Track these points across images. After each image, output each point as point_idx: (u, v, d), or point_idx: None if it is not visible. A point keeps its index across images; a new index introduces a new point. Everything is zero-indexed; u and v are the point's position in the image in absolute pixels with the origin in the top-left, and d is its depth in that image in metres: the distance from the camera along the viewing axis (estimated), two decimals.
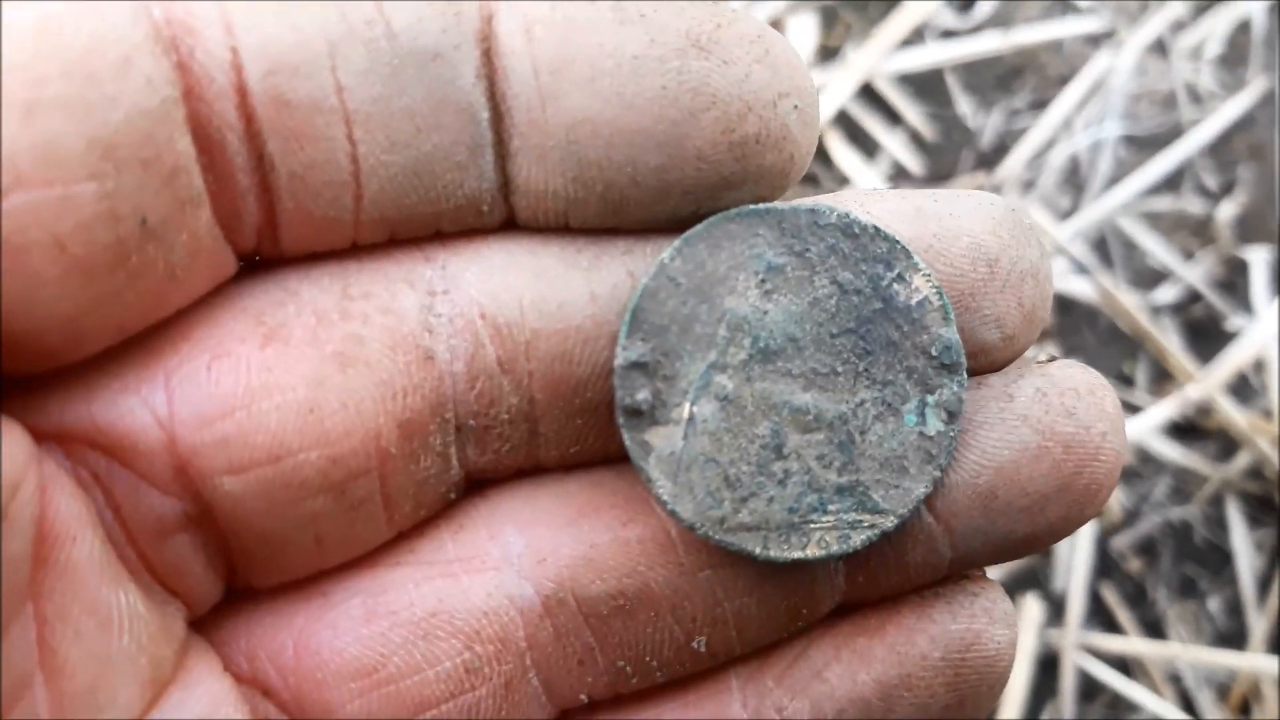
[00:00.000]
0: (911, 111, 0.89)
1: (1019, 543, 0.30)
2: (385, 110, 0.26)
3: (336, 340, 0.28)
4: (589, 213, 0.28)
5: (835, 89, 0.88)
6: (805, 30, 0.90)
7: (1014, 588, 0.79)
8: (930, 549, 0.30)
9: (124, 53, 0.24)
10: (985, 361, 0.30)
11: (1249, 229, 0.87)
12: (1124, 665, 0.78)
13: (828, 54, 0.90)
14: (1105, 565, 0.80)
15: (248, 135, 0.26)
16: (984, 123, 0.89)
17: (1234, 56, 0.91)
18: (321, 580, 0.30)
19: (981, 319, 0.29)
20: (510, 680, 0.30)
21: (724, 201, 0.29)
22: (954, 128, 0.89)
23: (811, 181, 0.87)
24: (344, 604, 0.30)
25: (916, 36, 0.91)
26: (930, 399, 0.29)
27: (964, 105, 0.90)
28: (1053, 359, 0.31)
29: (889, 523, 0.29)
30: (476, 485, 0.31)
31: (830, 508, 0.29)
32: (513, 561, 0.30)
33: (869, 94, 0.90)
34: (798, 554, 0.29)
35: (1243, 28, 0.91)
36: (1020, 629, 0.77)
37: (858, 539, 0.29)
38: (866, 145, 0.89)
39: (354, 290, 0.28)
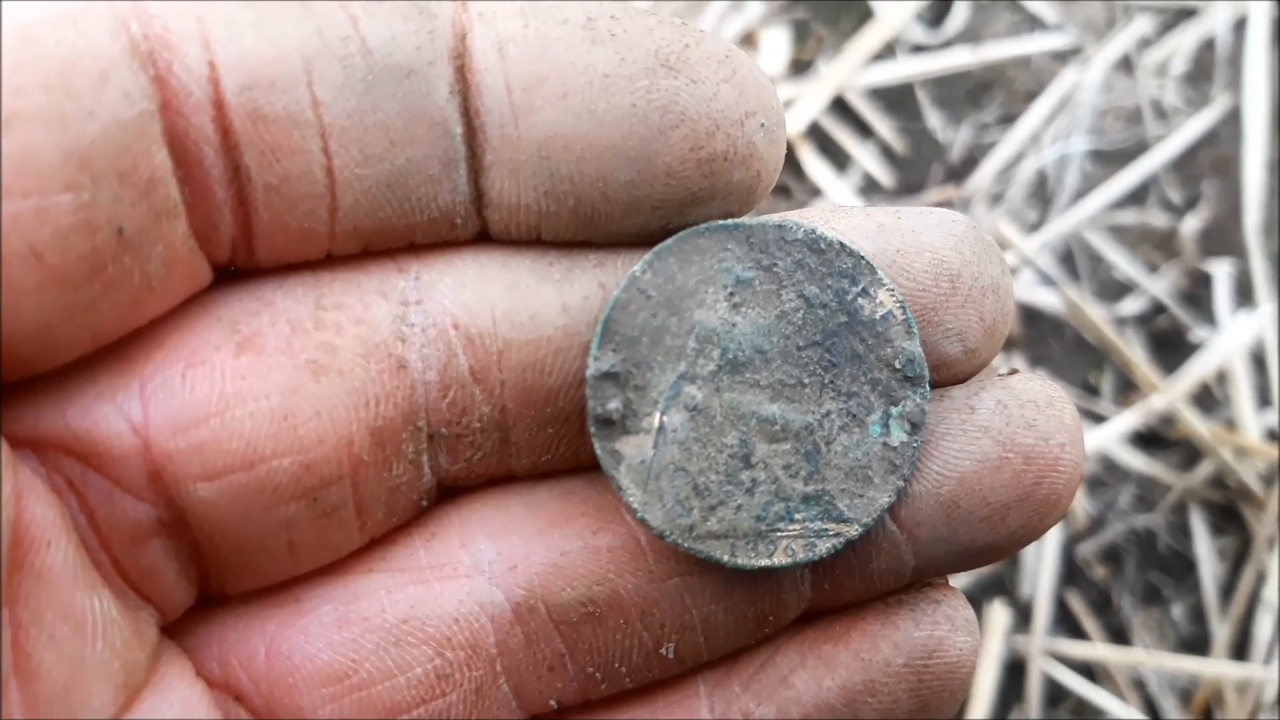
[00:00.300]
0: (882, 125, 0.90)
1: (980, 551, 0.31)
2: (360, 124, 0.27)
3: (310, 349, 0.28)
4: (561, 226, 0.29)
5: (807, 102, 0.89)
6: (778, 44, 0.91)
7: (981, 594, 0.80)
8: (894, 557, 0.31)
9: (102, 66, 0.24)
10: (948, 374, 0.31)
11: (1213, 242, 0.88)
12: (1089, 671, 0.78)
13: (800, 67, 0.91)
14: (1071, 572, 0.81)
15: (224, 148, 0.26)
16: (953, 137, 0.91)
17: (1199, 73, 0.92)
18: (294, 586, 0.31)
19: (944, 333, 0.30)
20: (481, 686, 0.31)
21: (693, 217, 0.29)
22: (924, 141, 0.91)
23: (784, 193, 0.88)
24: (316, 610, 0.30)
25: (887, 51, 0.92)
26: (894, 410, 0.30)
27: (934, 119, 0.91)
28: (1014, 372, 0.31)
29: (854, 531, 0.30)
30: (448, 493, 0.32)
31: (797, 516, 0.30)
32: (484, 569, 0.30)
33: (841, 107, 0.91)
34: (765, 561, 0.30)
35: (1207, 45, 0.93)
36: (987, 635, 0.78)
37: (823, 547, 0.30)
38: (838, 158, 0.90)
39: (327, 300, 0.29)
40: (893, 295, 0.30)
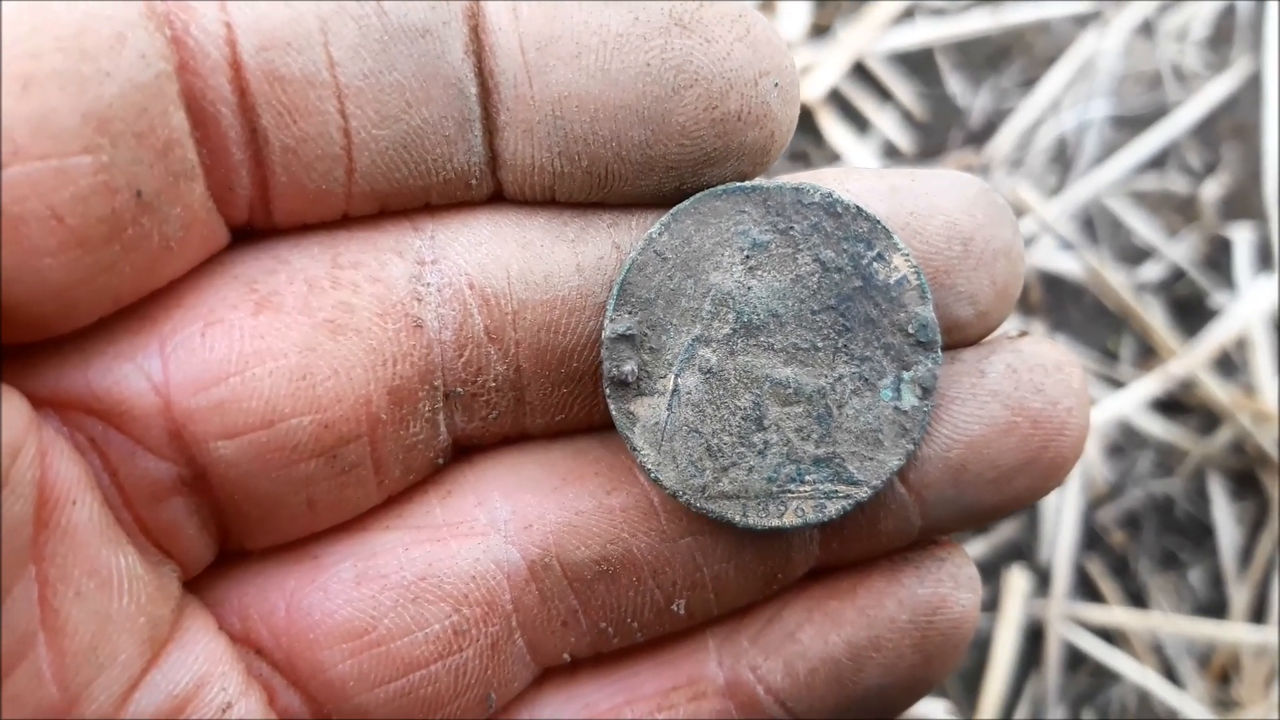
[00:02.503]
0: (902, 90, 0.90)
1: (986, 512, 0.31)
2: (376, 85, 0.27)
3: (328, 308, 0.28)
4: (574, 187, 0.29)
5: (827, 67, 0.89)
6: (797, 9, 0.90)
7: (1000, 560, 0.80)
8: (902, 518, 0.32)
9: (118, 29, 0.24)
10: (959, 336, 0.31)
11: (1233, 208, 0.88)
12: (1108, 636, 0.79)
13: (820, 32, 0.91)
14: (1090, 538, 0.81)
15: (242, 109, 0.26)
16: (973, 102, 0.90)
17: (1219, 38, 0.92)
18: (312, 543, 0.31)
19: (956, 295, 0.30)
20: (496, 642, 0.31)
21: (706, 177, 0.30)
22: (944, 106, 0.90)
23: (802, 159, 0.88)
24: (335, 567, 0.31)
25: (907, 16, 0.91)
26: (906, 375, 0.30)
27: (954, 84, 0.90)
28: (1024, 334, 0.32)
29: (863, 494, 0.30)
30: (464, 451, 0.32)
31: (808, 478, 0.30)
32: (499, 527, 0.31)
33: (860, 72, 0.90)
34: (775, 522, 0.30)
35: (1228, 9, 0.92)
36: (1007, 600, 0.79)
37: (833, 509, 0.30)
38: (858, 123, 0.89)
39: (344, 259, 0.29)
40: (908, 260, 0.30)
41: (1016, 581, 0.79)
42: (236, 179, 0.27)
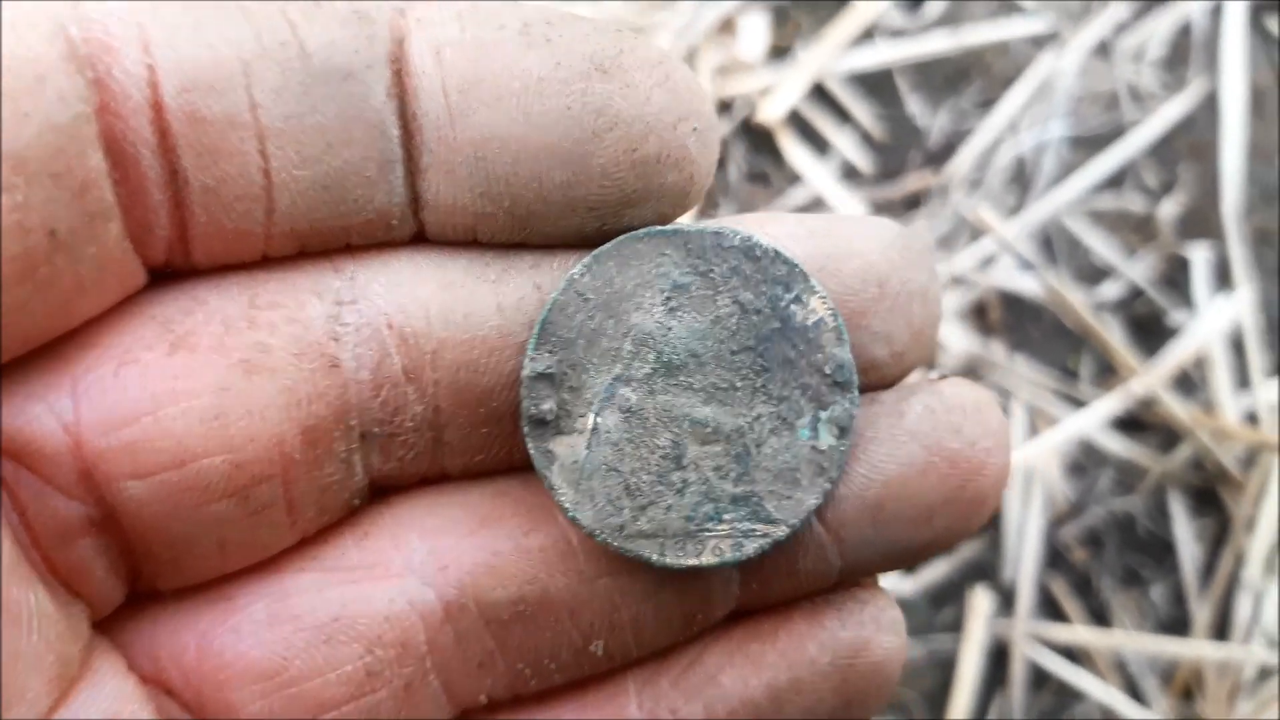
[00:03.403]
0: (861, 111, 0.90)
1: (906, 552, 0.31)
2: (297, 127, 0.27)
3: (243, 348, 0.28)
4: (497, 227, 0.29)
5: (787, 88, 0.89)
6: (756, 29, 0.91)
7: (964, 580, 0.80)
8: (820, 558, 0.31)
9: (39, 70, 0.24)
10: (876, 377, 0.31)
11: (1190, 227, 0.89)
12: (1072, 654, 0.79)
13: (779, 53, 0.91)
14: (1052, 557, 0.81)
15: (162, 150, 0.26)
16: (932, 122, 0.91)
17: (1175, 58, 0.93)
18: (226, 584, 0.31)
19: (871, 336, 0.31)
20: (411, 683, 0.31)
21: (627, 218, 0.30)
22: (903, 127, 0.91)
23: (762, 180, 0.88)
24: (247, 608, 0.30)
25: (866, 37, 0.92)
26: (823, 415, 0.30)
27: (913, 105, 0.91)
28: (944, 377, 0.32)
29: (781, 532, 0.30)
30: (381, 492, 0.32)
31: (725, 517, 0.30)
32: (415, 568, 0.31)
33: (820, 93, 0.91)
34: (693, 561, 0.30)
35: (1183, 30, 0.93)
36: (971, 620, 0.79)
37: (751, 547, 0.30)
38: (818, 144, 0.89)
39: (261, 300, 0.29)
40: (825, 303, 0.30)
41: (980, 602, 0.79)
42: (155, 220, 0.27)
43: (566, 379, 0.30)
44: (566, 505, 0.30)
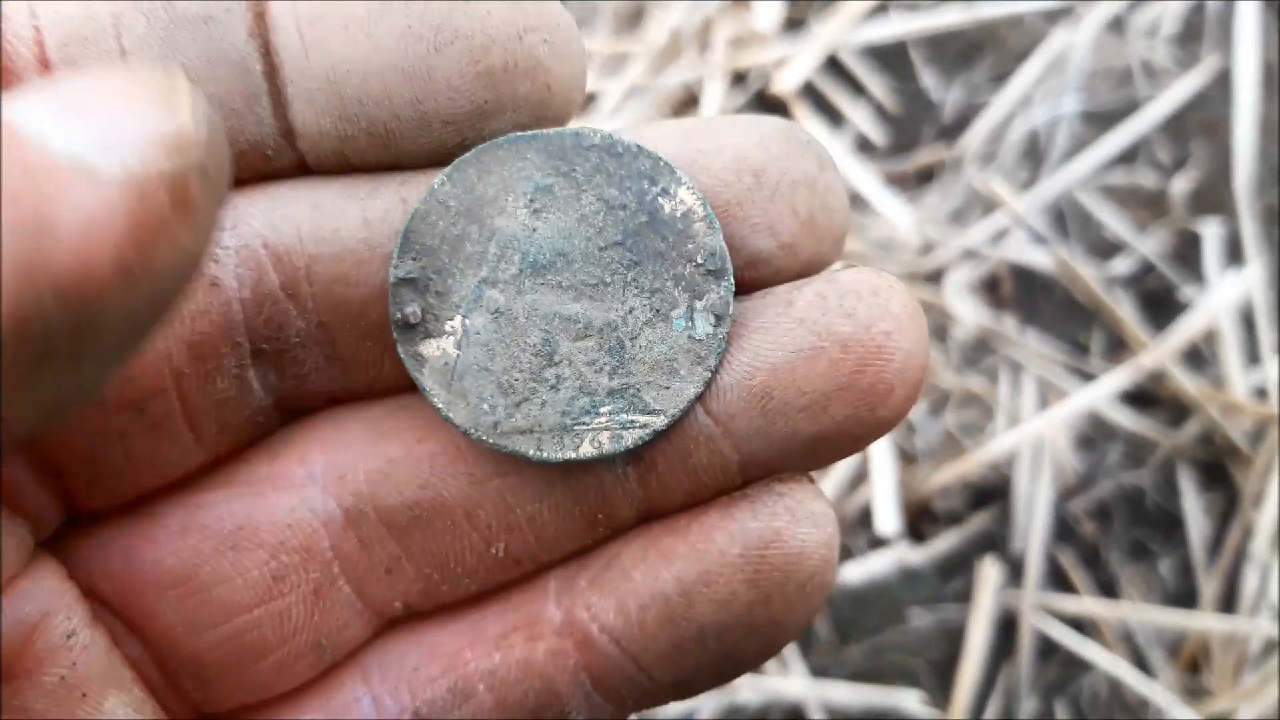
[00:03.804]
0: (875, 84, 0.90)
1: (808, 444, 0.31)
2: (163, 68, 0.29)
3: None
4: (362, 148, 0.31)
5: (801, 61, 0.89)
6: (771, 3, 0.90)
7: (973, 551, 0.81)
8: (713, 450, 0.31)
9: None
10: (768, 271, 0.31)
11: (1202, 202, 0.89)
12: (1079, 626, 0.79)
13: (794, 26, 0.91)
14: (1061, 529, 0.82)
15: None
16: (945, 96, 0.91)
17: (1189, 34, 0.92)
18: (149, 502, 0.33)
19: (752, 227, 0.31)
20: (319, 587, 0.32)
21: (487, 130, 0.30)
22: (916, 100, 0.91)
23: None
24: (164, 521, 0.32)
25: (880, 10, 0.92)
26: (698, 304, 0.30)
27: (927, 78, 0.91)
28: (849, 266, 0.31)
29: (660, 422, 0.30)
30: (295, 414, 0.34)
31: (603, 410, 0.31)
32: (316, 479, 0.32)
33: (834, 66, 0.91)
34: (571, 454, 0.31)
35: (1197, 7, 0.93)
36: (980, 591, 0.79)
37: (630, 438, 0.30)
38: (832, 117, 0.89)
39: None
40: (693, 192, 0.30)
41: (989, 572, 0.79)
42: None
43: (432, 284, 0.30)
44: (440, 405, 0.31)
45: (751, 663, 0.33)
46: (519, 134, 0.30)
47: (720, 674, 0.33)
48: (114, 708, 0.31)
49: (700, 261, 0.30)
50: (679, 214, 0.30)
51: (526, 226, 0.30)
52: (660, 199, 0.30)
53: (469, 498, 0.32)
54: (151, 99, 0.24)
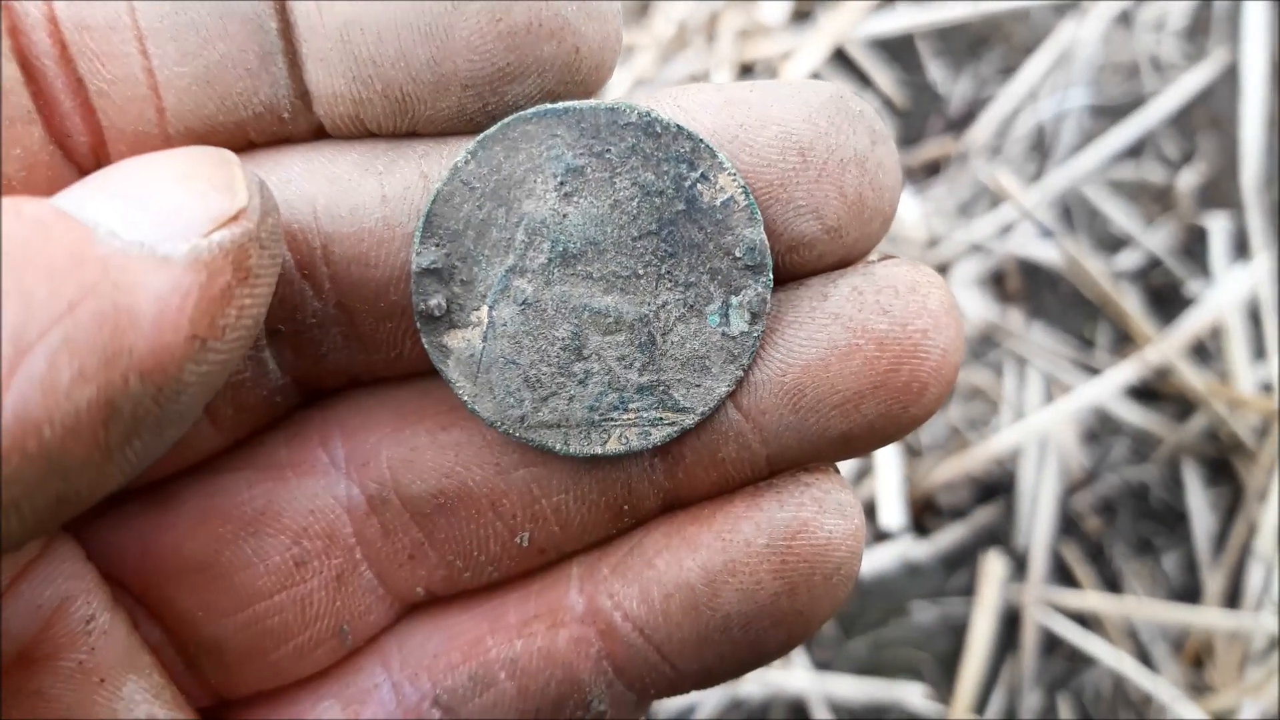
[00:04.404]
0: (882, 76, 0.90)
1: (838, 440, 0.30)
2: (173, 24, 0.28)
3: None
4: (379, 113, 0.29)
5: (808, 53, 0.89)
6: None
7: (978, 545, 0.81)
8: (742, 445, 0.31)
9: None
10: (810, 255, 0.30)
11: (1208, 197, 0.89)
12: (1083, 621, 0.79)
13: (801, 18, 0.91)
14: (1066, 524, 0.82)
15: (63, 59, 0.28)
16: (952, 89, 0.90)
17: (1196, 29, 0.92)
18: (166, 485, 0.32)
19: (796, 210, 0.29)
20: (342, 573, 0.32)
21: (509, 96, 0.29)
22: (923, 93, 0.90)
23: None
24: (181, 506, 0.32)
25: (887, 2, 0.91)
26: (734, 299, 0.29)
27: (934, 71, 0.91)
28: (886, 257, 0.30)
29: (689, 420, 0.30)
30: (316, 396, 0.33)
31: (631, 406, 0.30)
32: (339, 464, 0.32)
33: (841, 58, 0.90)
34: (598, 449, 0.30)
35: (1205, 1, 0.93)
36: (985, 585, 0.79)
37: (658, 435, 0.30)
38: None
39: None
40: (734, 180, 0.29)
41: (993, 566, 0.79)
42: (72, 125, 0.29)
43: (457, 272, 0.29)
44: (465, 398, 0.30)
45: (776, 653, 0.32)
46: (549, 106, 0.29)
47: (743, 663, 0.32)
48: (132, 693, 0.31)
49: (739, 255, 0.29)
50: (719, 203, 0.29)
51: (556, 212, 0.29)
52: (699, 185, 0.29)
53: (494, 487, 0.31)
54: (207, 179, 0.24)
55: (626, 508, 0.32)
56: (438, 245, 0.29)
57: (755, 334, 0.29)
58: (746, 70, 0.88)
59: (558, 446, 0.30)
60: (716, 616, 0.31)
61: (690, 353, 0.30)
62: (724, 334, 0.30)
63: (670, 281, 0.30)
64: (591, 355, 0.30)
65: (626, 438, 0.30)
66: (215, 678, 0.33)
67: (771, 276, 0.29)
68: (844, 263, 0.30)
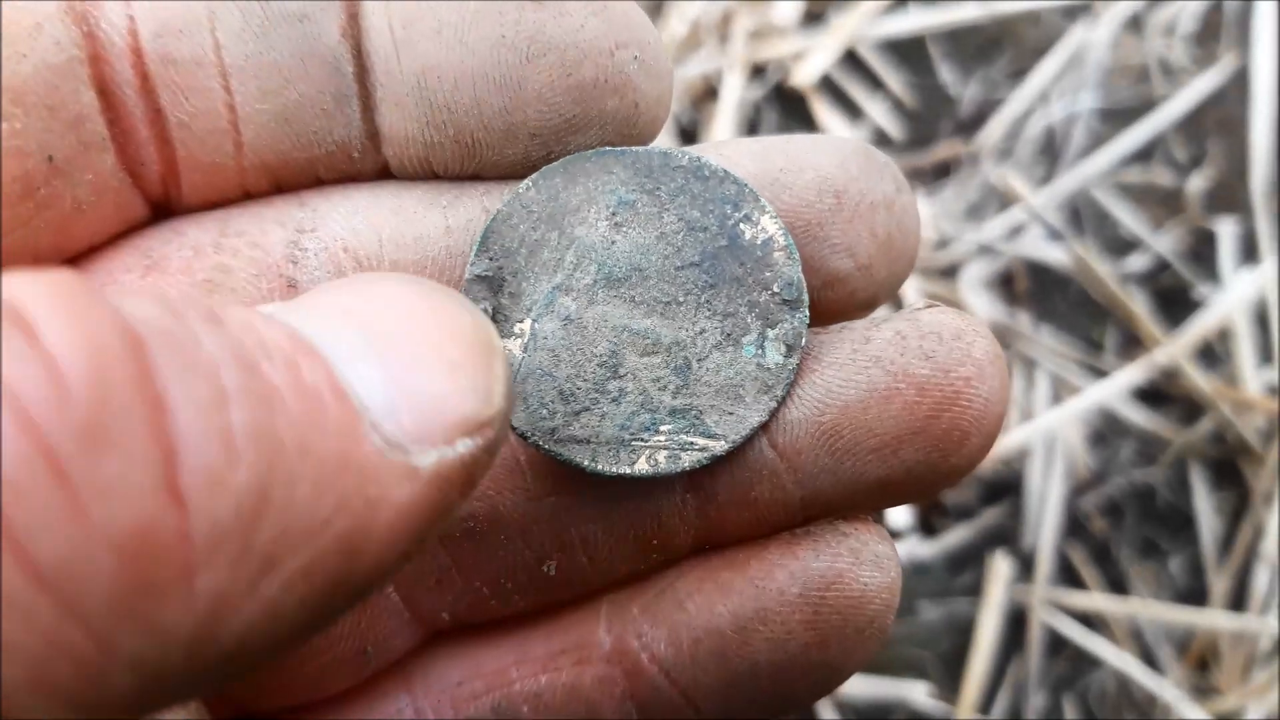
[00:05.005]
0: (893, 78, 0.90)
1: (874, 487, 0.30)
2: (257, 64, 0.29)
3: (207, 269, 0.31)
4: (448, 157, 0.31)
5: (819, 54, 0.89)
6: None
7: (984, 545, 0.81)
8: (776, 485, 0.31)
9: (36, 20, 0.28)
10: (844, 291, 0.31)
11: (1217, 201, 0.89)
12: (1089, 622, 0.79)
13: (813, 19, 0.91)
14: (1072, 525, 0.82)
15: (144, 90, 0.29)
16: (963, 91, 0.91)
17: (1206, 33, 0.92)
18: None
19: (831, 247, 0.30)
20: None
21: (571, 145, 0.30)
22: (934, 95, 0.91)
23: None
24: None
25: (899, 3, 0.92)
26: (771, 332, 0.30)
27: (944, 73, 0.91)
28: (931, 305, 0.31)
29: (720, 447, 0.30)
30: None
31: (663, 428, 0.30)
32: None
33: (852, 60, 0.91)
34: (626, 469, 0.30)
35: (1215, 6, 0.93)
36: (990, 584, 0.79)
37: (688, 460, 0.30)
38: (850, 111, 0.89)
39: (230, 228, 0.31)
40: (775, 221, 0.30)
41: (1000, 566, 0.80)
42: (146, 154, 0.30)
43: (506, 284, 0.30)
44: None
45: (804, 702, 0.32)
46: (608, 149, 0.30)
47: (769, 710, 0.32)
48: None
49: (777, 290, 0.30)
50: (759, 241, 0.30)
51: (606, 238, 0.30)
52: (742, 224, 0.30)
53: (524, 513, 0.31)
54: (472, 373, 0.22)
55: (656, 542, 0.32)
56: (491, 259, 0.30)
57: (790, 366, 0.30)
58: (759, 70, 0.89)
59: (585, 463, 0.30)
60: (745, 664, 0.31)
61: (725, 380, 0.30)
62: (759, 364, 0.30)
63: (710, 310, 0.30)
64: (627, 374, 0.30)
65: (655, 459, 0.30)
66: (241, 692, 0.32)
67: (808, 313, 0.30)
68: (874, 299, 0.31)
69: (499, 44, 0.29)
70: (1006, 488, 0.82)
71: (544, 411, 0.30)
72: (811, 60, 0.89)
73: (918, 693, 0.77)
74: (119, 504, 0.17)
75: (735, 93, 0.87)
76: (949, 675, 0.78)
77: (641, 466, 0.30)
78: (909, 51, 0.91)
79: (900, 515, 0.80)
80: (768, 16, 0.90)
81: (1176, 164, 0.90)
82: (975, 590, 0.80)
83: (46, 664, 0.16)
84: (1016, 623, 0.79)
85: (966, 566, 0.81)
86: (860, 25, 0.90)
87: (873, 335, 0.30)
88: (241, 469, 0.18)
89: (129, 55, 0.29)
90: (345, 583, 0.20)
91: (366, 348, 0.21)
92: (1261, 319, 0.85)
